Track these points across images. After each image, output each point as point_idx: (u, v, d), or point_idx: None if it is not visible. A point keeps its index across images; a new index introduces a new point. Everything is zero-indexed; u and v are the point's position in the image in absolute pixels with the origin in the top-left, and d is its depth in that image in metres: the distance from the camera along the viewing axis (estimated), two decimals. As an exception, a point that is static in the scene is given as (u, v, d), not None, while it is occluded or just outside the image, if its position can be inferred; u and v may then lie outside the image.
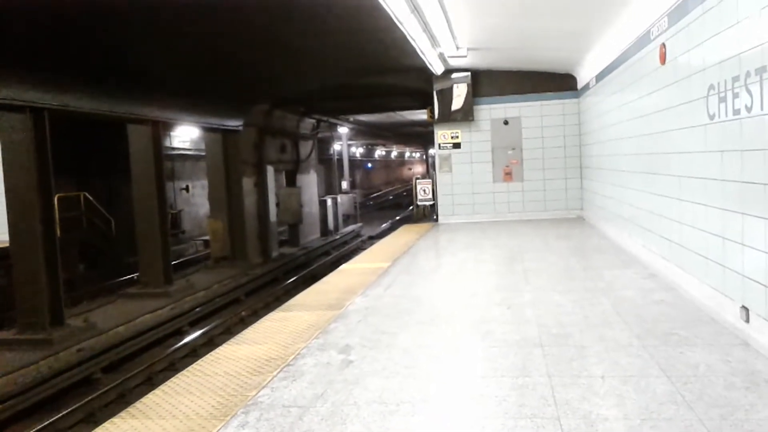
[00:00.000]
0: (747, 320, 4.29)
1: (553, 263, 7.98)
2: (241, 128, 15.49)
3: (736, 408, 3.25)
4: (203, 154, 17.25)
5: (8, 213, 9.36)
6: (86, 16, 7.72)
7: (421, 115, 19.38)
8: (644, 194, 7.30)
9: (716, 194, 4.81)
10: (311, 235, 20.57)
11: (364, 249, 12.65)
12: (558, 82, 12.90)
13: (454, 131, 13.42)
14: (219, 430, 3.37)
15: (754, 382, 3.57)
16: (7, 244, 9.78)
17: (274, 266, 16.02)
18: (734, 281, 4.52)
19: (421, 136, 37.40)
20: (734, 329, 4.49)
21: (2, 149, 9.37)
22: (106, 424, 3.56)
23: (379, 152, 57.03)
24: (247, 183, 15.99)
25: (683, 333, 4.59)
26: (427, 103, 13.98)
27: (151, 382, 8.50)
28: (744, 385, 3.54)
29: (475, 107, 13.19)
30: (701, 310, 5.15)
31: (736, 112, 4.30)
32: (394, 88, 15.17)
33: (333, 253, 19.59)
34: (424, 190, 14.67)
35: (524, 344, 4.56)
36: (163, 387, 4.13)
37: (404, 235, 12.16)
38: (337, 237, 21.86)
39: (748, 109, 4.10)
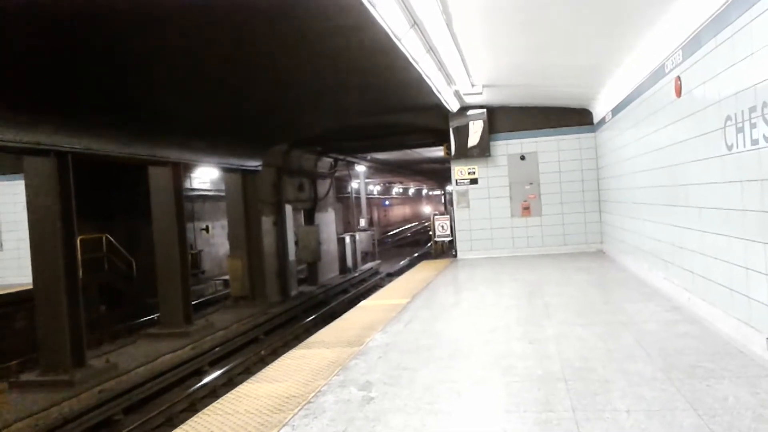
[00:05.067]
0: (774, 352, 4.22)
1: (574, 297, 7.91)
2: (260, 168, 15.67)
3: (767, 441, 3.18)
4: (222, 194, 17.44)
5: (32, 255, 9.47)
6: (109, 60, 7.94)
7: (438, 152, 19.51)
8: (664, 226, 7.25)
9: (737, 224, 4.78)
10: (330, 273, 20.58)
11: (383, 286, 12.61)
12: (574, 117, 12.95)
13: (471, 167, 13.47)
14: (241, 468, 3.35)
15: (784, 415, 3.50)
16: (30, 287, 9.90)
17: (293, 305, 16.01)
18: (760, 312, 4.46)
19: (439, 173, 37.53)
20: (762, 361, 4.41)
21: (26, 192, 9.55)
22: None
23: (397, 189, 57.25)
24: (266, 222, 16.11)
25: (709, 365, 4.51)
26: (443, 140, 14.08)
27: (171, 423, 8.46)
28: (774, 418, 3.46)
29: (491, 143, 13.26)
30: (727, 342, 5.06)
31: (755, 142, 4.30)
32: (411, 125, 15.29)
33: (352, 291, 19.54)
34: (442, 226, 14.68)
35: (547, 379, 4.51)
36: (183, 426, 4.12)
37: (423, 271, 12.13)
38: (356, 274, 21.83)
39: (767, 139, 4.10)
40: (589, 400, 3.98)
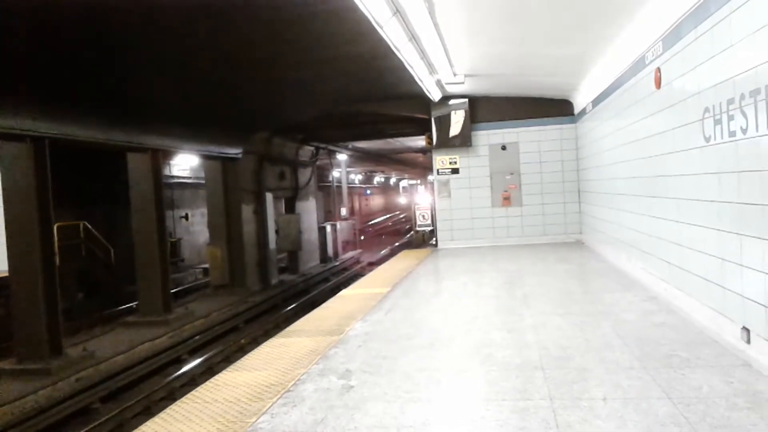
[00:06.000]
0: (748, 341, 4.28)
1: (552, 287, 7.97)
2: (240, 156, 15.56)
3: (739, 428, 3.23)
4: (203, 182, 17.31)
5: (8, 242, 9.35)
6: (87, 46, 7.81)
7: (420, 141, 19.50)
8: (643, 217, 7.32)
9: (714, 216, 4.83)
10: (311, 261, 20.55)
11: (364, 275, 12.62)
12: (555, 108, 13.00)
13: (453, 157, 13.49)
14: (219, 456, 3.34)
15: (756, 403, 3.56)
16: (6, 274, 9.77)
17: (273, 293, 15.98)
18: (734, 302, 4.52)
19: (420, 162, 37.53)
20: (736, 350, 4.48)
21: (2, 178, 9.41)
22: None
23: (378, 179, 57.18)
24: (247, 210, 16.02)
25: (684, 355, 4.57)
26: (425, 130, 14.07)
27: (149, 412, 8.42)
28: (746, 406, 3.52)
29: (473, 133, 13.27)
30: (702, 332, 5.13)
31: (732, 134, 4.33)
32: (393, 114, 15.26)
33: (332, 280, 19.55)
34: (423, 216, 14.70)
35: (525, 367, 4.54)
36: (161, 414, 4.09)
37: (404, 260, 12.14)
38: (337, 263, 21.84)
39: (744, 131, 4.14)
40: (566, 389, 4.02)
